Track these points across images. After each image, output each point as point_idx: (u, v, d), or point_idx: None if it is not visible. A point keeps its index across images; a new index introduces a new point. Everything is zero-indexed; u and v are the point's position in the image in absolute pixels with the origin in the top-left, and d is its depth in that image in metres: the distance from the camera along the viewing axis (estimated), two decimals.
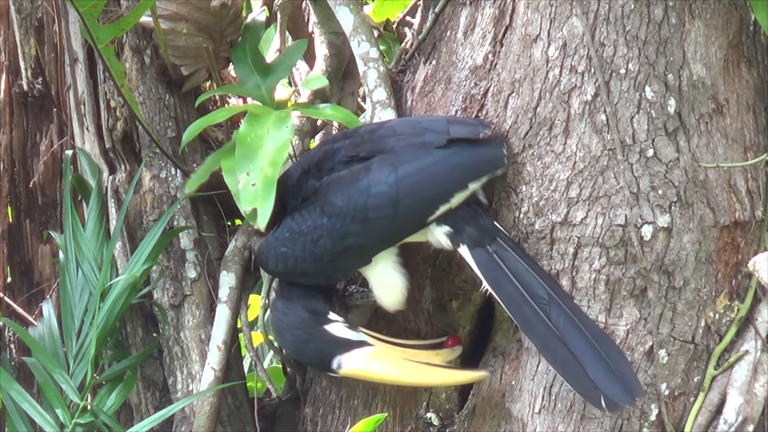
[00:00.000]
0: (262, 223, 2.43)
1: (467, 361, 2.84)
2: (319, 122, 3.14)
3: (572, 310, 2.39)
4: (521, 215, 2.50)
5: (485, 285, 2.44)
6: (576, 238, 2.46)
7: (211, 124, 2.92)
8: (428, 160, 2.44)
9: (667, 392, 2.49)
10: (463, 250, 2.46)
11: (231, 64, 3.04)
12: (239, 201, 2.48)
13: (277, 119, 2.61)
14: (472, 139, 2.45)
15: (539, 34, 2.47)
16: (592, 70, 2.42)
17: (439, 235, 2.49)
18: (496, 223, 2.48)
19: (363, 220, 2.45)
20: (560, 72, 2.44)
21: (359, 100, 3.19)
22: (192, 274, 2.99)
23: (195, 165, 2.98)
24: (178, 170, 2.98)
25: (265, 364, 3.82)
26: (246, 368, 3.33)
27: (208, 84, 3.10)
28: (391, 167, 2.44)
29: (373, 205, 2.44)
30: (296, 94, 3.18)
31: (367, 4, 3.47)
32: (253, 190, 2.46)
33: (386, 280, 2.55)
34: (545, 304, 2.38)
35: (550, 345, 2.38)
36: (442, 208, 2.45)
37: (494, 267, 2.43)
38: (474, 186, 2.46)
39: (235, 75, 3.05)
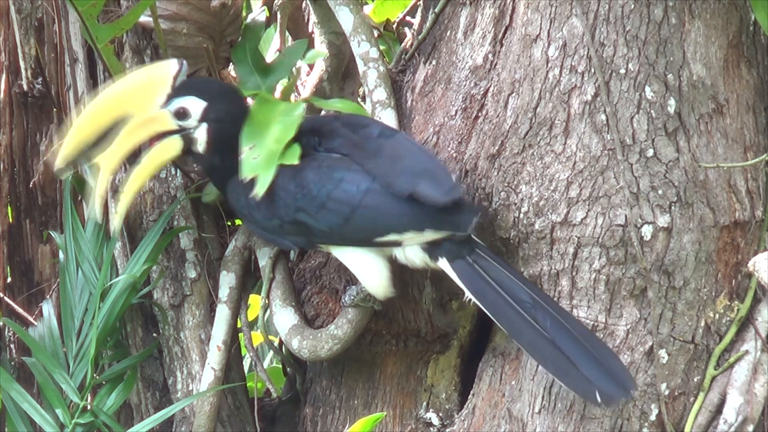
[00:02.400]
0: (261, 189, 2.43)
1: (467, 361, 2.84)
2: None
3: (558, 312, 2.39)
4: (521, 215, 2.50)
5: (469, 295, 2.44)
6: (576, 238, 2.46)
7: None
8: (399, 197, 2.43)
9: (667, 392, 2.49)
10: (443, 263, 2.46)
11: (231, 64, 3.04)
12: (241, 169, 2.47)
13: (288, 106, 2.64)
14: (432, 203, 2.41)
15: (539, 34, 2.47)
16: (592, 70, 2.42)
17: (410, 254, 2.49)
18: (473, 236, 2.47)
19: (320, 205, 2.46)
20: (560, 72, 2.44)
21: (359, 100, 3.19)
22: (192, 274, 2.99)
23: (195, 165, 2.98)
24: (178, 170, 2.98)
25: (265, 364, 3.82)
26: (246, 368, 3.33)
27: None
28: (370, 178, 2.45)
29: (334, 198, 2.45)
30: (296, 94, 3.18)
31: (367, 4, 3.47)
32: (255, 162, 2.47)
33: (361, 263, 2.54)
34: (530, 308, 2.38)
35: (539, 346, 2.37)
36: (391, 237, 2.45)
37: (476, 277, 2.42)
38: (431, 235, 2.44)
39: (235, 75, 3.05)
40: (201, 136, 2.54)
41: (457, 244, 2.45)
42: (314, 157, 2.52)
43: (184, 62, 2.51)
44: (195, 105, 2.52)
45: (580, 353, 2.35)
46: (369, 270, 2.54)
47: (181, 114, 2.52)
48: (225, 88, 2.64)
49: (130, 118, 2.51)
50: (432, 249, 2.46)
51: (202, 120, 2.53)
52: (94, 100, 2.58)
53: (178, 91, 2.51)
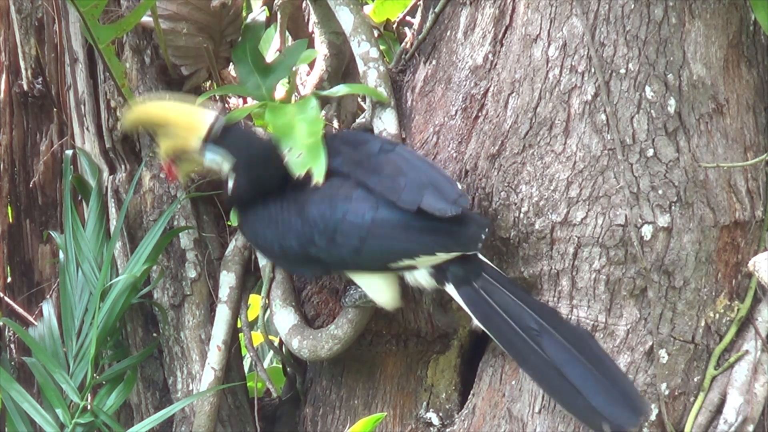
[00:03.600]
0: (319, 177, 2.46)
1: (467, 361, 2.84)
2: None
3: (566, 338, 2.37)
4: (521, 215, 2.50)
5: (476, 322, 2.45)
6: (576, 238, 2.46)
7: None
8: (406, 216, 2.41)
9: (667, 392, 2.49)
10: (450, 289, 2.46)
11: (231, 64, 3.04)
12: (293, 169, 2.51)
13: (300, 106, 2.66)
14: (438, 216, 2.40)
15: (539, 34, 2.47)
16: (592, 70, 2.42)
17: (419, 277, 2.49)
18: (480, 255, 2.46)
19: (330, 240, 2.46)
20: (560, 72, 2.45)
21: (359, 99, 3.19)
22: (192, 274, 2.99)
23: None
24: None
25: (265, 364, 3.82)
26: (246, 368, 3.33)
27: (208, 84, 3.10)
28: (373, 205, 2.43)
29: (342, 231, 2.44)
30: (296, 94, 3.18)
31: (367, 4, 3.47)
32: (300, 159, 2.50)
33: (372, 283, 2.56)
34: (537, 335, 2.37)
35: (546, 376, 2.37)
36: (406, 262, 2.45)
37: (483, 304, 2.42)
38: (443, 256, 2.43)
39: (235, 75, 3.05)
40: (228, 184, 2.59)
41: (463, 269, 2.43)
42: (316, 185, 2.50)
43: (221, 117, 2.55)
44: (226, 160, 2.54)
45: (588, 381, 2.34)
46: (381, 289, 2.56)
47: (213, 164, 2.57)
48: (255, 143, 2.63)
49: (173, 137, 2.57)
50: (439, 273, 2.46)
51: (230, 172, 2.57)
52: (151, 105, 2.66)
53: (214, 140, 2.54)
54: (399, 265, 2.46)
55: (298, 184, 2.51)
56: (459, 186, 2.50)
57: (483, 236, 2.41)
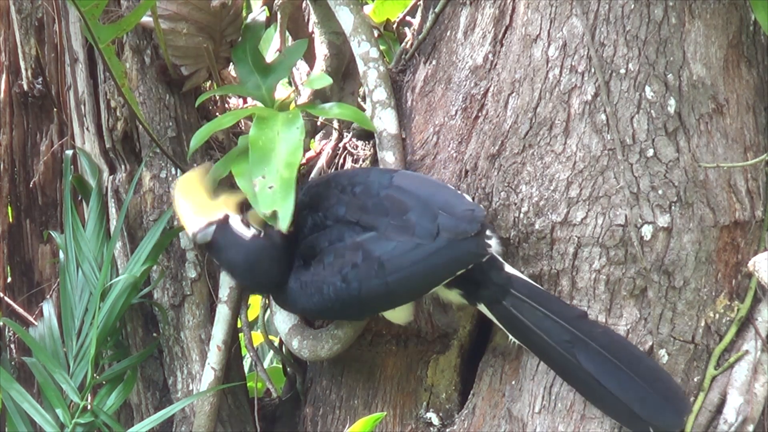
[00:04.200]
0: (284, 224, 2.44)
1: (467, 361, 2.84)
2: (319, 122, 3.14)
3: (601, 344, 2.38)
4: (521, 215, 2.50)
5: (513, 339, 2.49)
6: (576, 238, 2.46)
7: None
8: (415, 257, 2.40)
9: None
10: (483, 308, 2.49)
11: (231, 64, 3.04)
12: (257, 204, 2.47)
13: (286, 120, 2.61)
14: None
15: (539, 34, 2.47)
16: (592, 70, 2.42)
17: (452, 297, 2.53)
18: (508, 270, 2.45)
19: (359, 303, 2.48)
20: (560, 72, 2.45)
21: (359, 100, 3.19)
22: (192, 273, 2.99)
23: (195, 165, 2.98)
24: (179, 170, 2.98)
25: (265, 364, 3.82)
26: (246, 368, 3.34)
27: (208, 84, 3.10)
28: (379, 263, 2.41)
29: (367, 296, 2.45)
30: (296, 94, 3.18)
31: (367, 4, 3.47)
32: (271, 193, 2.46)
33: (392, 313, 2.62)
34: (570, 347, 2.39)
35: (587, 387, 2.42)
36: (433, 290, 2.49)
37: (516, 321, 2.43)
38: (462, 272, 2.44)
39: (235, 75, 3.05)
40: None
41: (491, 288, 2.44)
42: (323, 251, 2.49)
43: (207, 230, 2.54)
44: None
45: (627, 387, 2.36)
46: (399, 313, 2.61)
47: None
48: (242, 252, 2.58)
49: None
50: (468, 296, 2.48)
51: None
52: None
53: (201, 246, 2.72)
54: (431, 292, 2.50)
55: (304, 248, 2.54)
56: (467, 197, 2.48)
57: (490, 241, 2.41)
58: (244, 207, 2.58)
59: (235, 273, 2.65)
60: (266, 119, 2.62)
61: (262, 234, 2.53)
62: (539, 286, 2.47)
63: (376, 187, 2.50)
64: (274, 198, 2.46)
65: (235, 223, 2.53)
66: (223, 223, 2.52)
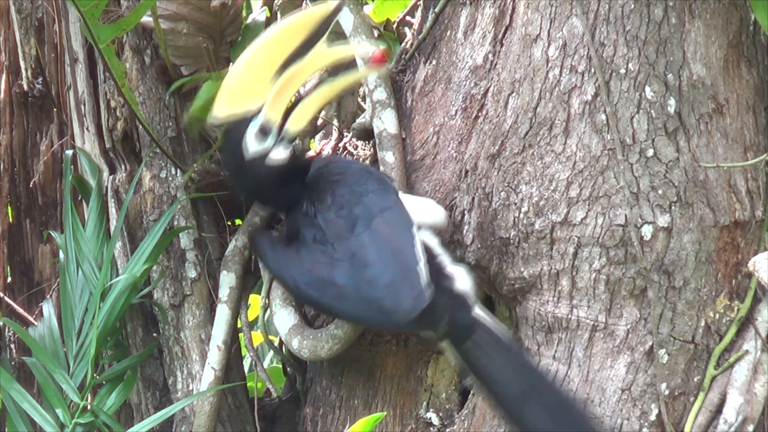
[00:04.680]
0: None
1: None
2: (319, 122, 3.14)
3: (550, 405, 2.38)
4: (521, 215, 2.50)
5: (471, 378, 2.47)
6: (576, 238, 2.46)
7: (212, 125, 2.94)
8: (358, 309, 2.45)
9: (667, 392, 2.49)
10: (446, 345, 2.45)
11: (231, 64, 3.04)
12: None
13: None
14: None
15: (539, 34, 2.47)
16: (592, 70, 2.42)
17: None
18: (476, 312, 2.42)
19: (316, 305, 2.63)
20: (560, 72, 2.45)
21: (359, 100, 3.19)
22: (192, 274, 2.99)
23: (195, 165, 2.98)
24: (178, 170, 2.99)
25: (265, 364, 3.82)
26: (246, 368, 3.34)
27: None
28: (336, 287, 2.44)
29: (322, 306, 2.61)
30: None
31: (367, 4, 3.47)
32: None
33: None
34: (521, 401, 2.38)
35: None
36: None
37: (474, 364, 2.41)
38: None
39: None
40: None
41: (456, 329, 2.40)
42: (304, 241, 2.51)
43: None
44: None
45: None
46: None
47: None
48: None
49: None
50: (433, 332, 2.46)
51: None
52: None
53: None
54: None
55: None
56: (424, 278, 2.35)
57: (442, 323, 2.39)
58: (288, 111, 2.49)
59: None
60: None
61: (272, 150, 2.47)
62: (502, 334, 2.44)
63: (359, 225, 2.45)
64: None
65: (253, 127, 2.46)
66: (240, 122, 2.45)
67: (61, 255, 2.99)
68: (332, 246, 2.45)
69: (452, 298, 2.40)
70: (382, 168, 2.73)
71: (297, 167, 2.56)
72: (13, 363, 3.30)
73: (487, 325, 2.42)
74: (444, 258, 2.45)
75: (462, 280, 2.43)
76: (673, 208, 2.43)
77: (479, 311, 2.43)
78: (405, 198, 2.52)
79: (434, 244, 2.47)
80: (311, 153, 3.05)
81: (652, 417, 2.50)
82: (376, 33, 2.97)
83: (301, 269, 2.51)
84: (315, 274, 2.47)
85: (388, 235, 2.43)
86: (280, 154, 2.49)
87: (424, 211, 2.55)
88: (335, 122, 3.05)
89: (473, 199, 2.59)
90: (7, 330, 3.36)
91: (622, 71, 2.41)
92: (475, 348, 2.40)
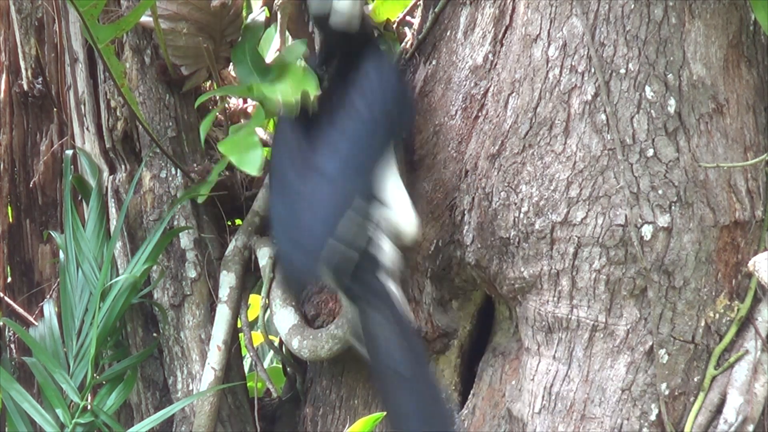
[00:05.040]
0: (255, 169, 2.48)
1: (467, 361, 2.84)
2: None
3: (418, 390, 2.41)
4: (521, 215, 2.50)
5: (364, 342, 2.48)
6: (576, 238, 2.46)
7: (213, 126, 2.94)
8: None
9: (667, 392, 2.49)
10: (349, 302, 2.48)
11: (231, 64, 3.04)
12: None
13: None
14: None
15: (539, 34, 2.47)
16: (592, 70, 2.42)
17: None
18: (387, 284, 2.45)
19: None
20: (560, 72, 2.45)
21: None
22: (192, 273, 2.99)
23: (195, 165, 2.98)
24: (179, 170, 2.98)
25: (265, 364, 3.82)
26: (246, 368, 3.34)
27: (208, 84, 3.10)
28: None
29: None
30: None
31: (367, 4, 3.47)
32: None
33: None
34: (393, 378, 2.40)
35: (391, 414, 2.41)
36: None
37: (369, 331, 2.42)
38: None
39: (235, 75, 3.05)
40: None
41: (356, 286, 2.43)
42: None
43: None
44: None
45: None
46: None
47: None
48: None
49: None
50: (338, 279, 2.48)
51: None
52: None
53: None
54: None
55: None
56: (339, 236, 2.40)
57: (348, 274, 2.40)
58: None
59: None
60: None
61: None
62: (405, 316, 2.47)
63: (326, 164, 2.50)
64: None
65: None
66: None
67: (61, 255, 2.99)
68: (301, 164, 2.50)
69: (368, 262, 2.42)
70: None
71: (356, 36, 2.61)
72: (13, 363, 3.30)
73: (394, 301, 2.45)
74: (379, 235, 2.46)
75: (388, 253, 2.45)
76: (673, 208, 2.43)
77: (392, 286, 2.45)
78: (391, 187, 2.52)
79: (379, 220, 2.48)
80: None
81: (652, 417, 2.50)
82: (376, 33, 2.97)
83: (282, 163, 2.53)
84: (282, 179, 2.51)
85: (327, 195, 2.47)
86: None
87: (395, 212, 2.53)
88: None
89: (473, 199, 2.59)
90: (7, 330, 3.36)
91: (622, 71, 2.41)
92: (375, 315, 2.42)
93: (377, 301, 2.43)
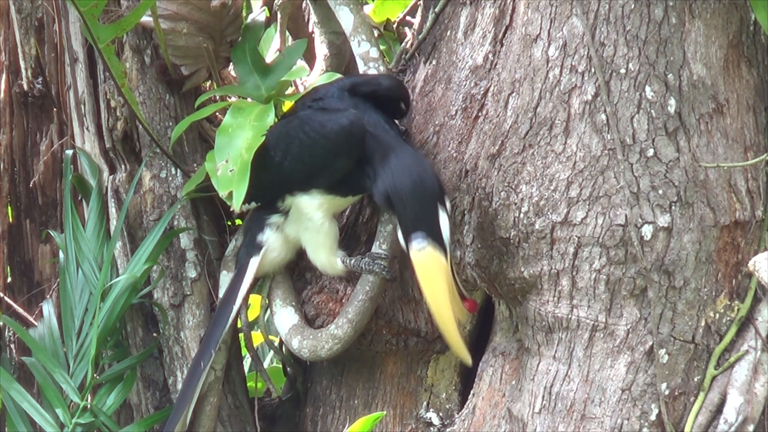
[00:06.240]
0: (237, 204, 2.53)
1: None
2: None
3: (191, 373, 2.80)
4: (521, 215, 2.50)
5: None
6: (576, 238, 2.46)
7: (209, 124, 2.93)
8: None
9: (667, 392, 2.49)
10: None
11: (231, 64, 3.04)
12: (217, 186, 2.57)
13: (261, 111, 2.69)
14: None
15: (539, 33, 2.47)
16: (593, 70, 2.42)
17: None
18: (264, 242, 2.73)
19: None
20: (560, 72, 2.45)
21: None
22: (192, 273, 2.99)
23: (195, 165, 2.98)
24: (179, 170, 2.98)
25: (265, 364, 3.82)
26: (246, 368, 3.34)
27: (208, 84, 3.10)
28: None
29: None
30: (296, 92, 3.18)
31: (367, 4, 3.47)
32: (230, 175, 2.55)
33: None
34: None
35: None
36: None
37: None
38: None
39: (235, 75, 3.05)
40: None
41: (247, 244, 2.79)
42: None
43: None
44: None
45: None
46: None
47: None
48: None
49: None
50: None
51: None
52: None
53: None
54: None
55: None
56: None
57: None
58: None
59: None
60: (242, 109, 2.71)
61: None
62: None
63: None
64: (232, 180, 2.54)
65: None
66: None
67: (61, 255, 2.99)
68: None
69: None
70: None
71: None
72: (13, 363, 3.30)
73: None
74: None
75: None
76: (673, 208, 2.43)
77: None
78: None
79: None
80: None
81: (652, 417, 2.50)
82: (376, 33, 2.97)
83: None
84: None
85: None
86: None
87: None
88: None
89: (473, 199, 2.59)
90: (7, 330, 3.35)
91: (623, 71, 2.41)
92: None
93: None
